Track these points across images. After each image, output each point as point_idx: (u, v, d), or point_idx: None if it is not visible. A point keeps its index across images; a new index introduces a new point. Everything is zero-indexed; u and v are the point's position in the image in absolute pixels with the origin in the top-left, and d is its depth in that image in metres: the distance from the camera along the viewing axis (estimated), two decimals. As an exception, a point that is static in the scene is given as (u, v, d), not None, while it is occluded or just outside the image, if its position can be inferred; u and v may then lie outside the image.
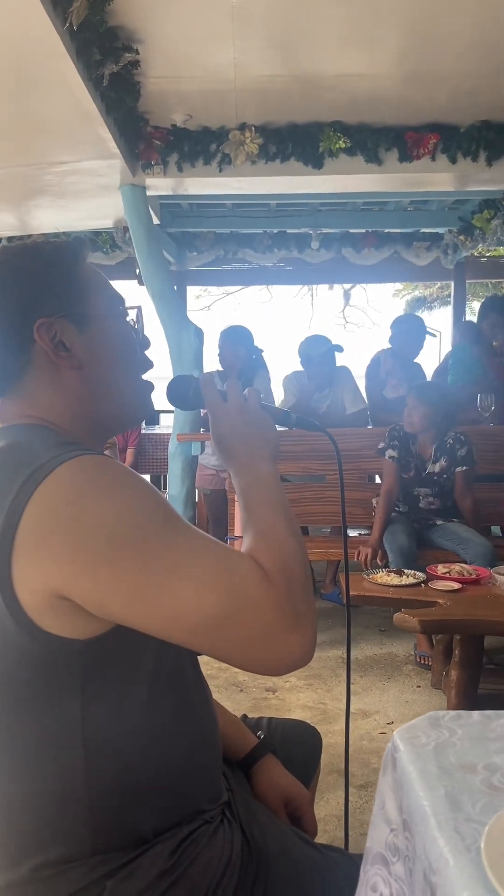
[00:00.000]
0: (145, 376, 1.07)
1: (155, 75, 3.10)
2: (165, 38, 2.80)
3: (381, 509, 3.46)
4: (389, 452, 3.51)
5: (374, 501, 3.65)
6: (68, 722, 0.85)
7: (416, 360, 4.56)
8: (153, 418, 6.39)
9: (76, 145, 3.47)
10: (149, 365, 1.06)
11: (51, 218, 5.02)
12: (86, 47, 2.57)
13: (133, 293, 5.12)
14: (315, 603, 0.91)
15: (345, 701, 2.94)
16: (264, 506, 0.93)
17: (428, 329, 4.61)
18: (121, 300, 1.05)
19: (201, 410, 1.10)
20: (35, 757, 0.87)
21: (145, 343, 1.07)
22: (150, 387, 1.07)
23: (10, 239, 5.24)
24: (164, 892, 0.88)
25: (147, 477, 5.58)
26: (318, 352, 4.28)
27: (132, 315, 1.06)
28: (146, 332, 1.09)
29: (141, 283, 4.21)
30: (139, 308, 1.09)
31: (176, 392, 1.09)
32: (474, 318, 5.12)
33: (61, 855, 0.87)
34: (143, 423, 5.81)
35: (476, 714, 0.98)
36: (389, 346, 4.54)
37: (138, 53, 2.84)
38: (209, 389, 1.04)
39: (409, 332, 4.46)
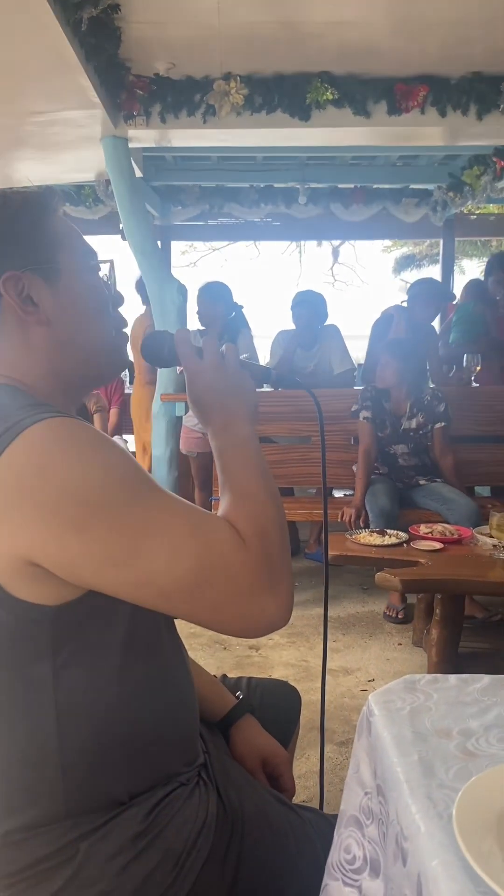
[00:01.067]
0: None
1: (136, 20, 2.99)
2: (147, -21, 2.70)
3: (360, 470, 3.47)
4: (363, 413, 3.54)
5: (354, 468, 3.66)
6: (40, 686, 0.85)
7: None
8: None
9: (55, 94, 3.35)
10: (122, 323, 1.03)
11: (32, 170, 4.88)
12: (63, -11, 2.47)
13: (116, 248, 5.03)
14: (292, 565, 0.90)
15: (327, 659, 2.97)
16: (241, 468, 0.91)
17: (449, 292, 4.57)
18: (93, 254, 1.01)
19: (178, 368, 1.06)
20: (6, 720, 0.86)
21: (118, 300, 1.03)
22: (122, 340, 1.03)
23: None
24: (138, 854, 0.88)
25: (131, 437, 5.55)
26: (298, 299, 4.23)
27: (105, 270, 1.03)
28: (119, 289, 1.05)
29: (124, 238, 4.12)
30: (111, 262, 1.05)
31: (151, 349, 1.05)
32: (463, 277, 5.08)
33: (34, 819, 0.87)
34: (127, 383, 5.75)
35: (453, 678, 0.98)
36: (404, 305, 4.50)
37: (118, -4, 2.73)
38: (184, 346, 1.01)
39: (427, 295, 4.40)
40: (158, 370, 4.12)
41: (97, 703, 0.88)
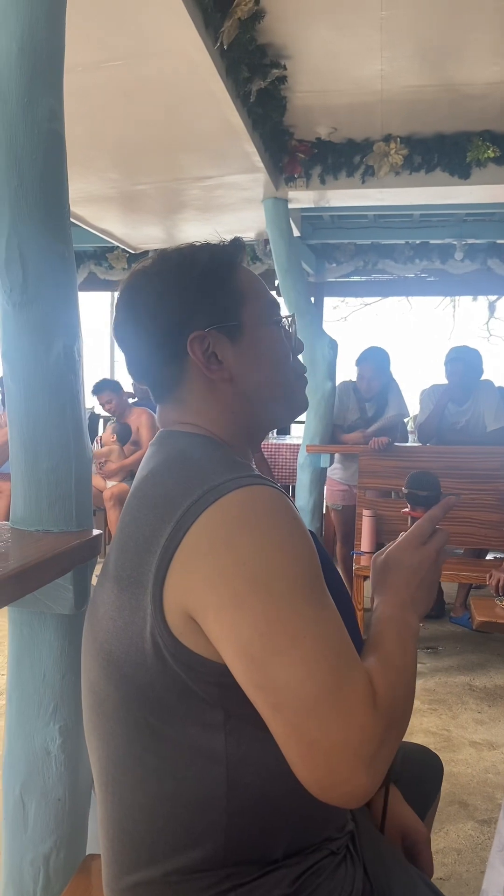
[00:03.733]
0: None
1: (302, 90, 3.13)
2: (313, 52, 2.82)
3: None
4: None
5: None
6: (212, 731, 0.85)
7: None
8: (285, 428, 6.43)
9: (222, 160, 3.57)
10: (302, 369, 1.05)
11: (195, 231, 5.18)
12: (235, 65, 2.62)
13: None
14: (396, 755, 0.83)
15: (471, 730, 2.83)
16: (399, 646, 0.88)
17: None
18: (276, 306, 1.04)
19: (403, 509, 1.08)
20: (179, 760, 0.86)
21: (299, 347, 1.05)
22: (302, 385, 1.06)
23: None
24: None
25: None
26: (453, 355, 4.14)
27: (286, 322, 1.05)
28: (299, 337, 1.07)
29: (279, 294, 4.25)
30: (293, 317, 1.08)
31: (417, 483, 1.06)
32: None
33: (194, 862, 0.87)
34: (275, 433, 5.85)
35: None
36: None
37: (286, 69, 2.87)
38: (432, 519, 0.99)
39: None
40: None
41: (264, 757, 0.86)
